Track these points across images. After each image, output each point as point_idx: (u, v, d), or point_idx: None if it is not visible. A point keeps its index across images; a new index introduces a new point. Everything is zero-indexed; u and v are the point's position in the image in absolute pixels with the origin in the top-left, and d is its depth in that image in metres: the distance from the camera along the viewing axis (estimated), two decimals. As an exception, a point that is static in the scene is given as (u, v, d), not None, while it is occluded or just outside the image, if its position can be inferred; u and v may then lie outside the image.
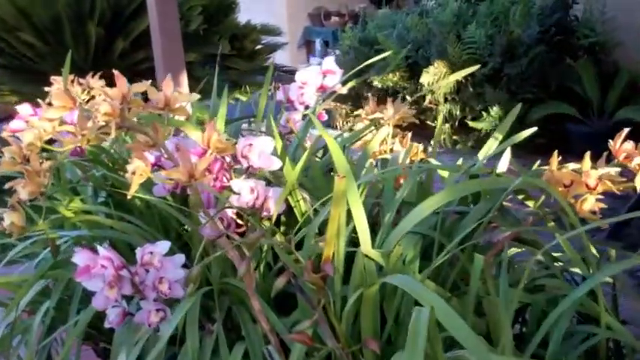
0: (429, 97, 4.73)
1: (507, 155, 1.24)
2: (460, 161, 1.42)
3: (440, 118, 4.41)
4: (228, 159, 1.13)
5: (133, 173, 1.02)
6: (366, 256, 0.99)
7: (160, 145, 1.06)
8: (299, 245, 1.09)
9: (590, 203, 1.06)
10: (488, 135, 4.44)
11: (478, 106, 4.51)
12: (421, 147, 1.45)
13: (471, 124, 4.48)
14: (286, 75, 4.82)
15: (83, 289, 1.44)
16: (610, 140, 1.14)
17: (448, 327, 0.76)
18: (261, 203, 1.14)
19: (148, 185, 1.43)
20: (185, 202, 1.28)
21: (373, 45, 5.47)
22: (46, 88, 2.00)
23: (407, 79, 4.97)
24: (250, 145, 1.09)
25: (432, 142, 1.45)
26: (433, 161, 1.36)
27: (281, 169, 1.16)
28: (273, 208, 1.16)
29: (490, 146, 1.28)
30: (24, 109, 1.68)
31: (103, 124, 1.02)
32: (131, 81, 1.94)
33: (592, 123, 4.17)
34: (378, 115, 1.51)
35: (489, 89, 4.42)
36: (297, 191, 1.22)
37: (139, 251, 1.08)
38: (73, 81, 2.08)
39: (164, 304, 1.13)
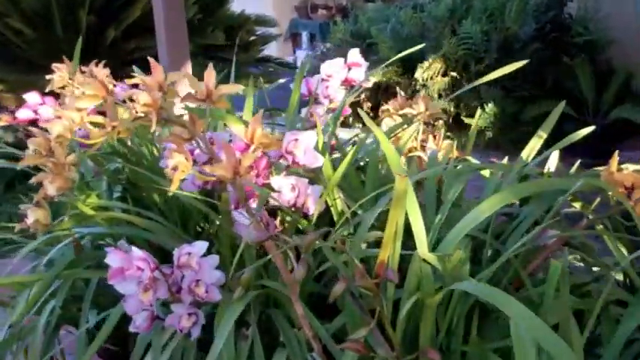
0: (422, 93, 4.68)
1: (555, 156, 1.19)
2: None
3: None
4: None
5: (174, 169, 0.95)
6: (424, 260, 0.93)
7: (199, 139, 0.99)
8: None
9: (650, 206, 1.01)
10: (482, 132, 4.41)
11: (473, 103, 4.46)
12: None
13: (466, 120, 4.44)
14: (280, 67, 4.75)
15: (97, 289, 1.37)
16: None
17: (541, 341, 0.70)
18: (302, 202, 1.07)
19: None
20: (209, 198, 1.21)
21: (366, 39, 5.41)
22: (48, 76, 1.93)
23: (400, 74, 4.91)
24: (296, 140, 1.02)
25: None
26: (473, 160, 1.30)
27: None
28: (314, 207, 1.10)
29: (533, 146, 1.23)
30: (32, 97, 1.61)
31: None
32: (122, 71, 1.87)
33: (587, 122, 4.14)
34: (408, 110, 1.45)
35: (484, 86, 4.38)
36: (334, 190, 1.16)
37: (175, 252, 1.01)
38: (75, 69, 2.01)
39: (195, 307, 1.07)
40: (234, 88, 1.00)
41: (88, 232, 1.26)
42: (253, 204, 1.08)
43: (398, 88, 4.90)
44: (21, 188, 3.69)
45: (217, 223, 1.35)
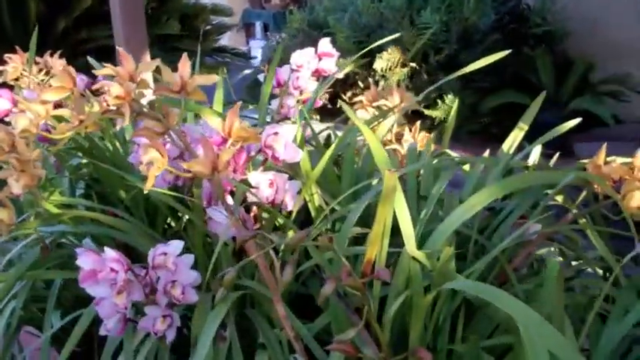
0: (382, 84, 4.66)
1: (538, 150, 1.17)
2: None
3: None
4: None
5: (148, 165, 0.90)
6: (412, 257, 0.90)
7: (173, 132, 0.94)
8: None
9: (638, 200, 0.99)
10: (441, 123, 4.41)
11: (432, 94, 4.46)
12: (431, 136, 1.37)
13: (425, 112, 4.43)
14: (236, 57, 4.67)
15: (60, 289, 1.31)
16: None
17: (549, 345, 0.67)
18: (281, 198, 1.03)
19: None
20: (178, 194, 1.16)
21: (322, 28, 5.38)
22: (0, 67, 1.84)
23: (359, 65, 4.88)
24: (276, 133, 0.98)
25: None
26: (451, 153, 1.28)
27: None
28: (292, 203, 1.05)
29: (515, 138, 1.20)
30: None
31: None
32: (75, 62, 1.80)
33: (546, 113, 4.16)
34: (383, 102, 1.42)
35: (444, 76, 4.38)
36: (312, 185, 1.12)
37: (150, 253, 0.96)
38: (28, 60, 1.93)
39: (169, 308, 1.02)
40: (209, 78, 0.95)
41: (54, 231, 1.20)
42: (230, 201, 1.04)
43: (357, 79, 4.89)
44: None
45: (187, 219, 1.31)
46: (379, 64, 4.66)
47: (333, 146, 1.09)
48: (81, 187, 1.43)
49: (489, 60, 1.28)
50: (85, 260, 0.92)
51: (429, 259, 0.91)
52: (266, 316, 1.06)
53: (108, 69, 0.93)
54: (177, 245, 0.97)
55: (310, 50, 1.52)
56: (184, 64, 0.93)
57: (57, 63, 1.88)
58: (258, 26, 8.69)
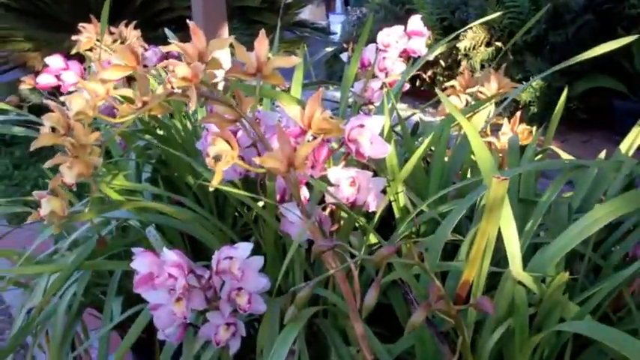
0: (464, 64, 4.46)
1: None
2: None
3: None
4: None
5: (216, 158, 0.79)
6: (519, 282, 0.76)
7: (247, 121, 0.82)
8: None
9: None
10: (527, 106, 4.18)
11: (517, 76, 4.23)
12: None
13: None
14: (315, 32, 4.54)
15: (122, 276, 1.23)
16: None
17: None
18: (363, 199, 0.90)
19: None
20: (248, 187, 1.05)
21: (404, 4, 5.19)
22: (74, 37, 1.76)
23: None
24: (362, 126, 0.84)
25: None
26: (557, 150, 1.13)
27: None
28: (375, 203, 0.92)
29: (636, 136, 1.04)
30: (54, 61, 1.45)
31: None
32: (153, 33, 1.70)
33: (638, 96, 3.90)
34: (480, 88, 1.27)
35: (530, 58, 4.15)
36: (399, 184, 0.99)
37: (214, 257, 0.85)
38: (103, 30, 1.84)
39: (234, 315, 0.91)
40: (288, 61, 0.83)
41: (115, 217, 1.10)
42: (305, 197, 0.92)
43: (439, 59, 4.70)
44: (47, 152, 3.56)
45: (258, 214, 1.20)
46: (463, 43, 4.46)
47: (426, 142, 0.96)
48: (147, 170, 1.33)
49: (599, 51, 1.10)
50: (141, 262, 0.82)
51: (536, 283, 0.77)
52: (340, 330, 0.94)
53: (174, 45, 0.82)
54: (244, 248, 0.86)
55: (398, 28, 1.38)
56: (262, 42, 0.81)
57: (132, 34, 1.79)
58: (338, 0, 8.52)
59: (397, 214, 1.03)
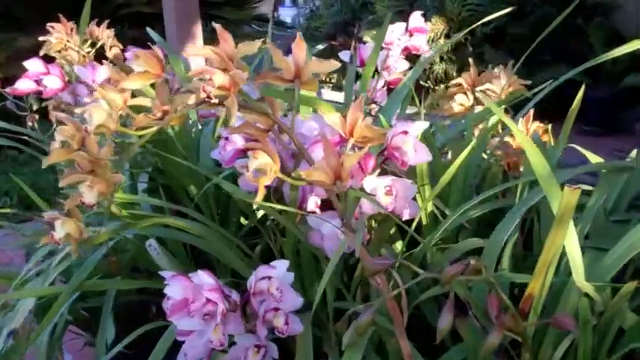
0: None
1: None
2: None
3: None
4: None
5: (257, 173, 0.73)
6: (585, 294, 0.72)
7: (286, 130, 0.76)
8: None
9: None
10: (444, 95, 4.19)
11: (477, 67, 4.23)
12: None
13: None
14: (276, 27, 4.46)
15: (116, 297, 1.15)
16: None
17: None
18: (401, 208, 0.85)
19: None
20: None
21: (360, -3, 5.17)
22: (41, 38, 1.66)
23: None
24: (405, 132, 0.79)
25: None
26: (579, 148, 1.09)
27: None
28: (410, 211, 0.87)
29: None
30: (33, 65, 1.36)
31: (215, 100, 0.71)
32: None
33: (599, 89, 3.94)
34: (488, 86, 1.23)
35: (490, 49, 4.16)
36: (430, 192, 0.94)
37: (252, 277, 0.79)
38: (72, 29, 1.76)
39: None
40: (328, 65, 0.77)
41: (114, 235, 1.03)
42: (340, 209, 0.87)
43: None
44: (10, 164, 3.41)
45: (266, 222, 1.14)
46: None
47: (468, 149, 0.91)
48: (143, 179, 1.26)
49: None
50: (175, 288, 0.75)
51: (599, 294, 0.73)
52: (378, 346, 0.89)
53: (206, 50, 0.75)
54: (281, 266, 0.80)
55: (401, 25, 1.33)
56: (300, 46, 0.75)
57: (105, 33, 1.70)
58: (286, -6, 8.46)
59: (425, 221, 0.98)
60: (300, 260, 1.04)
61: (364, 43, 1.33)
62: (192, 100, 0.73)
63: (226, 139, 0.92)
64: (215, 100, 0.71)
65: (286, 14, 8.46)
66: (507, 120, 0.81)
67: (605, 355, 0.76)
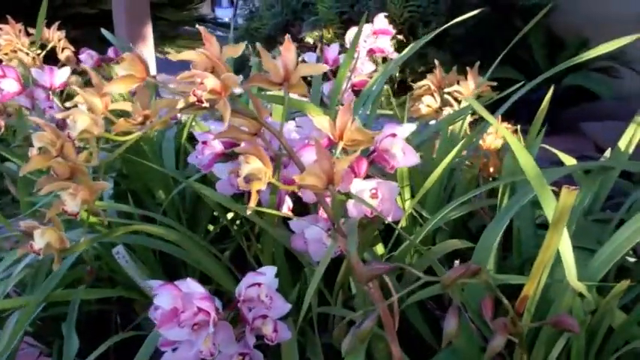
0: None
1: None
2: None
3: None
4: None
5: (247, 180, 0.71)
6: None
7: (275, 135, 0.75)
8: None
9: None
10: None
11: (420, 68, 4.29)
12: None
13: (414, 85, 4.25)
14: (218, 27, 4.42)
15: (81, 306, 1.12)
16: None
17: None
18: (388, 211, 0.85)
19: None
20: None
21: (300, -2, 5.16)
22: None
23: (342, 37, 4.67)
24: (394, 135, 0.79)
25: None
26: (550, 148, 1.11)
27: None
28: (393, 213, 0.87)
29: (634, 132, 1.04)
30: (-13, 68, 1.31)
31: (205, 105, 0.70)
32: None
33: (539, 89, 4.02)
34: (456, 88, 1.24)
35: (432, 50, 4.21)
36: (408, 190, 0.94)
37: (242, 284, 0.77)
38: (20, 31, 1.71)
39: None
40: (317, 68, 0.76)
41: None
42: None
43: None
44: None
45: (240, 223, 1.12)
46: (346, 37, 4.45)
47: (454, 151, 0.91)
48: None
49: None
50: (165, 297, 0.73)
51: (591, 293, 0.74)
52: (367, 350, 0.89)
53: (191, 53, 0.73)
54: (270, 273, 0.79)
55: (367, 27, 1.33)
56: (289, 49, 0.74)
57: (55, 35, 1.66)
58: (223, -6, 8.40)
59: (404, 223, 0.98)
60: (276, 264, 1.03)
61: (306, 44, 1.33)
62: (181, 104, 0.71)
63: (204, 142, 0.90)
64: (206, 104, 0.69)
65: (223, 15, 8.40)
66: (493, 120, 0.81)
67: (594, 355, 0.77)
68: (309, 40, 4.74)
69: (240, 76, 0.69)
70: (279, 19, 5.32)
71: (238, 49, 0.77)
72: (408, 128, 0.80)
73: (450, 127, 1.14)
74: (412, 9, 4.29)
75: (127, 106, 0.79)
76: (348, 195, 0.83)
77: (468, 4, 4.16)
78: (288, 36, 0.75)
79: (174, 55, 0.75)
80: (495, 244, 0.79)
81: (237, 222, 1.15)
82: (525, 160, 0.75)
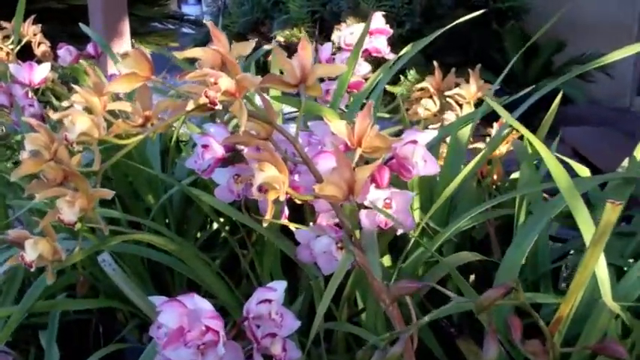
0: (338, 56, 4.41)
1: None
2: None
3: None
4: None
5: (263, 190, 0.66)
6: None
7: (291, 142, 0.69)
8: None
9: None
10: (404, 100, 4.20)
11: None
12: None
13: (388, 87, 4.22)
14: (187, 24, 4.33)
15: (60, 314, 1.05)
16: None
17: None
18: (402, 221, 0.80)
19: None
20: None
21: (271, -5, 5.09)
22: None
23: (313, 36, 4.62)
24: (415, 142, 0.74)
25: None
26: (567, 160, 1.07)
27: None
28: (408, 224, 0.82)
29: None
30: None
31: (218, 107, 0.64)
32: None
33: (513, 93, 4.01)
34: (458, 91, 1.19)
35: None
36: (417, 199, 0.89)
37: (252, 301, 0.71)
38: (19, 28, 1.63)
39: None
40: (336, 69, 0.71)
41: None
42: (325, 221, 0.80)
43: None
44: None
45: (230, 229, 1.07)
46: (336, 36, 4.41)
47: (474, 162, 0.86)
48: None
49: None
50: (170, 315, 0.67)
51: (625, 312, 0.70)
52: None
53: (199, 51, 0.67)
54: (281, 288, 0.73)
55: (360, 26, 1.28)
56: (305, 48, 0.68)
57: (30, 30, 1.58)
58: (190, -9, 8.29)
59: (411, 234, 0.93)
60: (272, 275, 0.98)
61: (277, 42, 1.28)
62: (190, 105, 0.65)
63: (204, 146, 0.84)
64: (219, 106, 0.64)
65: (190, 11, 8.29)
66: (518, 125, 0.77)
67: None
68: (280, 38, 4.68)
69: (259, 77, 0.63)
70: (249, 17, 5.24)
71: (247, 47, 0.71)
72: (430, 135, 0.75)
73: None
74: (385, 9, 4.25)
75: (125, 107, 0.72)
76: (358, 204, 0.78)
77: (442, 6, 4.15)
78: (304, 34, 0.69)
79: (180, 54, 0.69)
80: (521, 263, 0.74)
81: (228, 227, 1.10)
82: (557, 170, 0.71)
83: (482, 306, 0.60)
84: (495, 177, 1.09)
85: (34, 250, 0.69)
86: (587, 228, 0.68)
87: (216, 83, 0.62)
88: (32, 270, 0.68)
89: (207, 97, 0.63)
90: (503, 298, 0.62)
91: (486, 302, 0.60)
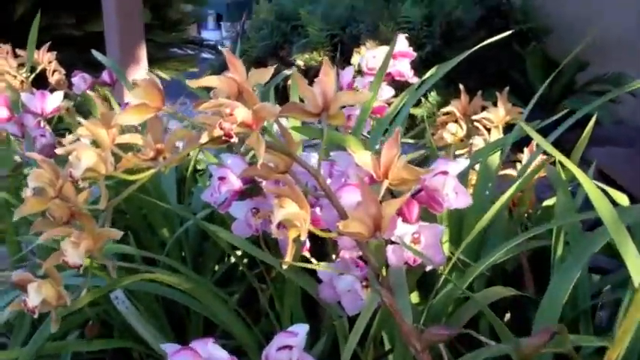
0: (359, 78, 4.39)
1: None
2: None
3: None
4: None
5: (282, 226, 0.61)
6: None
7: (314, 175, 0.64)
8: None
9: None
10: (424, 121, 4.16)
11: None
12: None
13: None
14: (207, 50, 4.32)
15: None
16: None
17: None
18: (431, 257, 0.74)
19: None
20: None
21: (290, 21, 5.07)
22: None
23: (334, 60, 4.59)
24: (445, 173, 0.69)
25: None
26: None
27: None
28: (438, 260, 0.76)
29: None
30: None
31: (234, 139, 0.59)
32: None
33: (536, 113, 3.96)
34: (485, 115, 1.14)
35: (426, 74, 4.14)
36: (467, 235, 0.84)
37: (271, 347, 0.66)
38: (7, 52, 1.60)
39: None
40: (359, 96, 0.66)
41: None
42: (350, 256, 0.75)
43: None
44: None
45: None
46: (356, 59, 4.38)
47: (510, 190, 0.81)
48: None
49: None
50: (183, 364, 0.62)
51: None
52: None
53: (214, 80, 0.63)
54: (302, 332, 0.68)
55: (383, 49, 1.24)
56: (327, 73, 0.64)
57: (45, 57, 1.55)
58: (210, 17, 8.32)
59: (440, 269, 0.87)
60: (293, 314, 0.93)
61: (297, 66, 1.25)
62: (204, 137, 0.60)
63: (221, 179, 0.80)
64: (235, 139, 0.59)
65: (210, 37, 8.34)
66: (555, 152, 0.71)
67: None
68: (300, 62, 4.66)
69: (278, 107, 0.58)
70: (268, 42, 5.22)
71: (265, 74, 0.66)
72: (461, 165, 0.70)
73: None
74: (405, 32, 4.21)
75: (136, 140, 0.68)
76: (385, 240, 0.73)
77: (462, 28, 4.11)
78: (326, 59, 0.65)
79: (193, 82, 0.65)
80: (564, 301, 0.68)
81: (246, 261, 1.05)
82: (600, 202, 0.65)
83: (523, 354, 0.55)
84: (528, 205, 1.04)
85: (37, 295, 0.64)
86: (636, 268, 0.62)
87: (232, 114, 0.58)
88: (35, 316, 0.64)
89: (222, 129, 0.58)
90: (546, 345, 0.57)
91: (528, 350, 0.54)
